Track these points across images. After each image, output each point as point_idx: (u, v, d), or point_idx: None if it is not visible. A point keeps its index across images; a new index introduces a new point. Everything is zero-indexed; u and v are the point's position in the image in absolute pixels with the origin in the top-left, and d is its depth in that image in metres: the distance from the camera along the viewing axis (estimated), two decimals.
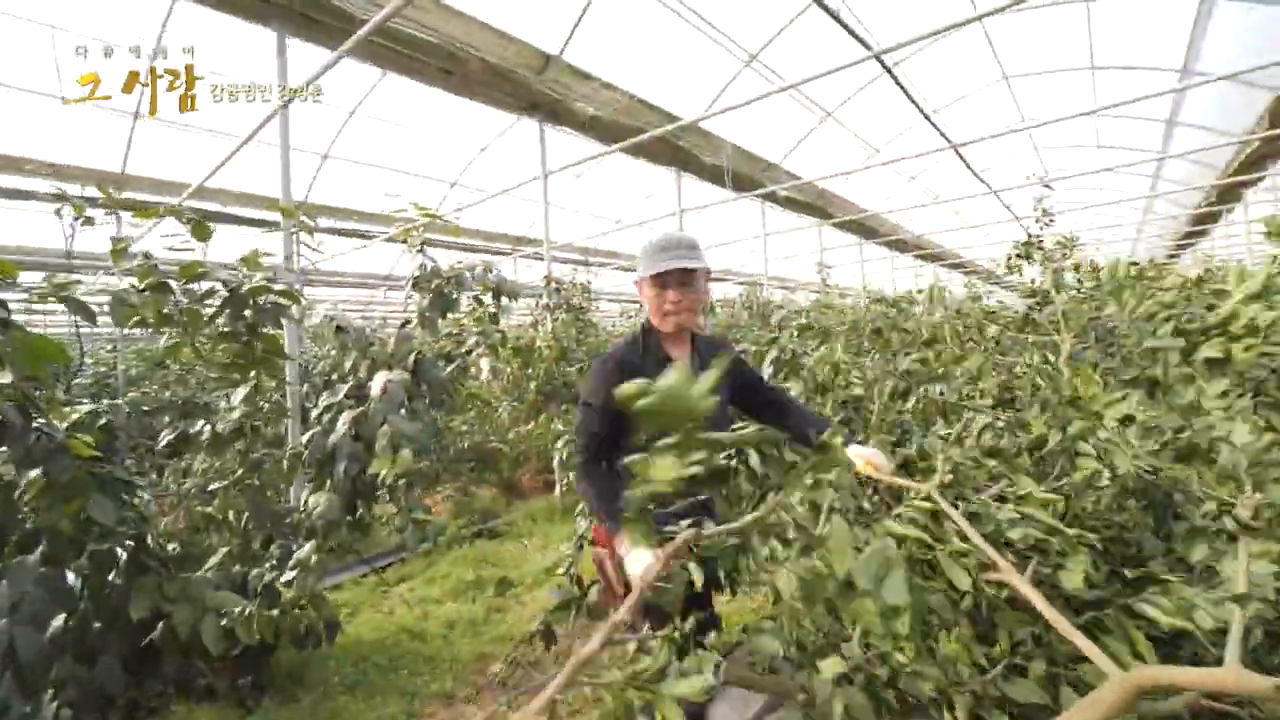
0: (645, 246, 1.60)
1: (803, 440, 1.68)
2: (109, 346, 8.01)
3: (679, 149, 6.68)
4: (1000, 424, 2.21)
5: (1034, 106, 8.36)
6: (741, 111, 7.38)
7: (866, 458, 1.40)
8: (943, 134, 4.93)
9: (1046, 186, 3.09)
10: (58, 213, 2.39)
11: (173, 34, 5.11)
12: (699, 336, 1.74)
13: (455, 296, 3.05)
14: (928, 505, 1.12)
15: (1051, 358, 2.32)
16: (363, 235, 8.59)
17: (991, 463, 1.35)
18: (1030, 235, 3.19)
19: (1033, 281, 3.58)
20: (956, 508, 1.07)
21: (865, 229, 11.73)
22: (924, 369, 1.94)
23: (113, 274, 2.33)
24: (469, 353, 2.94)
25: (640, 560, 1.33)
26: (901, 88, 4.12)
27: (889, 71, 3.93)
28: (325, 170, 8.17)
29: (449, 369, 2.88)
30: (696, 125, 6.50)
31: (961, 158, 5.95)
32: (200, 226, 2.22)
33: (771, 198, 8.98)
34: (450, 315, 3.07)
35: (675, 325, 1.60)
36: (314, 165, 8.10)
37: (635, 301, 7.67)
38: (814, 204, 9.74)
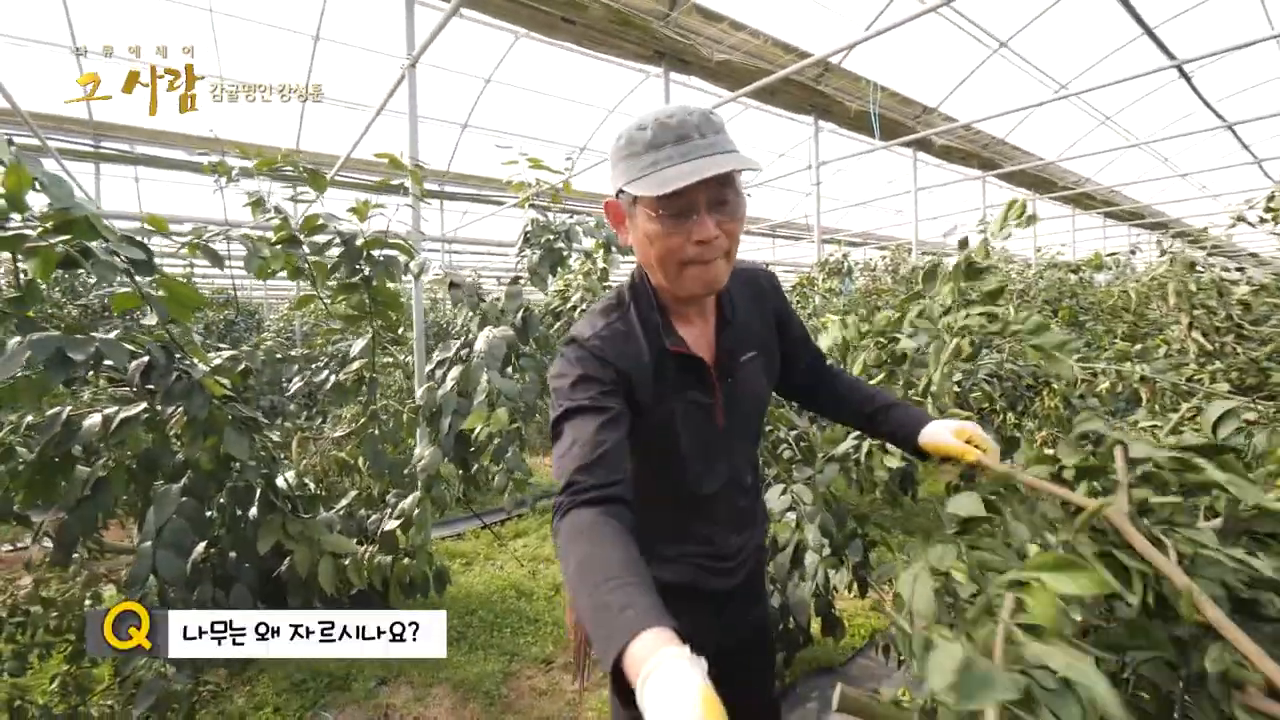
0: (625, 140, 0.86)
1: (854, 416, 1.17)
2: (286, 304, 9.14)
3: (819, 94, 6.03)
4: (1253, 414, 1.64)
5: None
6: (894, 48, 6.53)
7: (964, 432, 0.95)
8: (1166, 49, 3.90)
9: None
10: (213, 173, 2.57)
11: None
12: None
13: (566, 252, 2.93)
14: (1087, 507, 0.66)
15: None
16: (496, 201, 8.91)
17: (1210, 468, 0.74)
18: None
19: None
20: (1160, 546, 0.63)
21: (1040, 181, 10.08)
22: (991, 325, 1.43)
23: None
24: (574, 309, 2.81)
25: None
26: None
27: None
28: (464, 139, 8.54)
29: (555, 326, 2.78)
30: (837, 65, 5.83)
31: (1187, 79, 4.73)
32: (316, 177, 2.26)
33: (925, 147, 7.94)
34: (560, 271, 2.96)
35: (705, 288, 0.89)
36: (454, 135, 8.50)
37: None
38: (978, 154, 8.49)
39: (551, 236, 2.88)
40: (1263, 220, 2.44)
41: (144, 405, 2.02)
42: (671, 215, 0.83)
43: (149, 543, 1.86)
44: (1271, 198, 2.34)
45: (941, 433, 0.96)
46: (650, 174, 0.81)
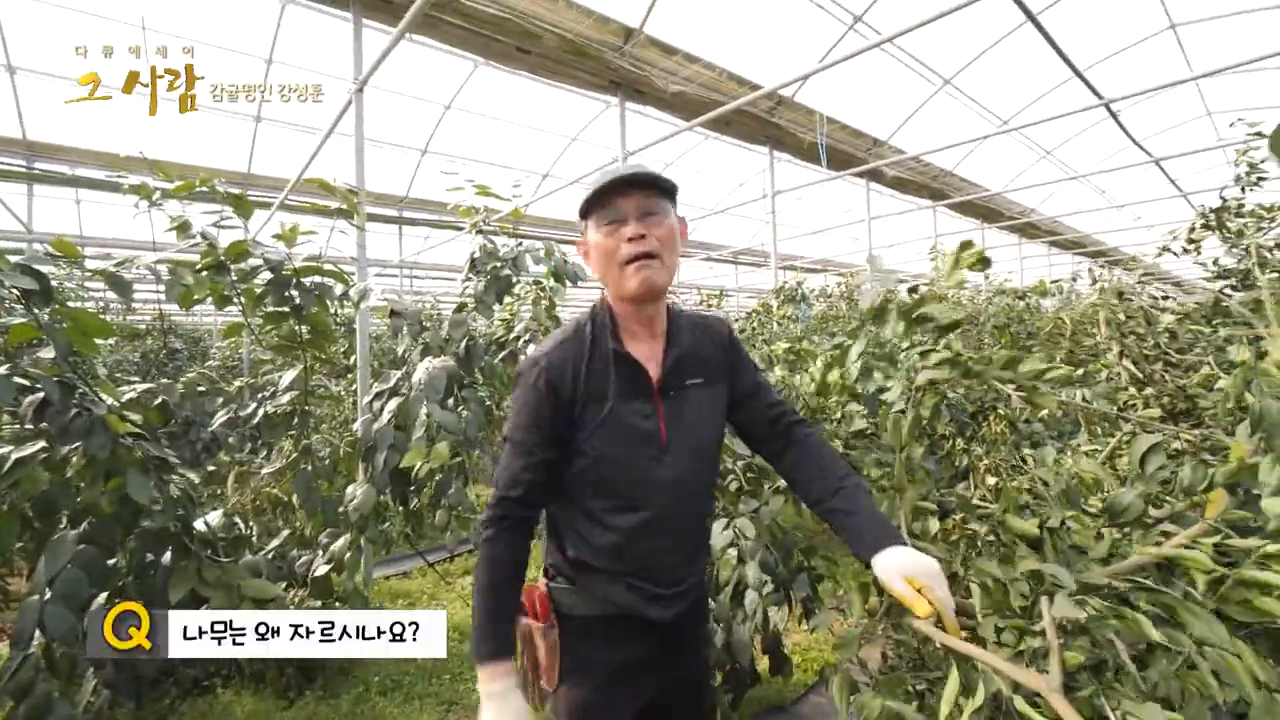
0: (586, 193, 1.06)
1: (813, 505, 1.12)
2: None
3: (772, 125, 6.18)
4: (1180, 444, 1.66)
5: (1207, 60, 6.98)
6: (845, 83, 6.76)
7: (917, 581, 0.90)
8: (1094, 90, 4.11)
9: (1258, 134, 2.30)
10: (135, 201, 2.44)
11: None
12: (679, 315, 1.15)
13: (514, 279, 2.86)
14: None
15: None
16: (456, 227, 8.83)
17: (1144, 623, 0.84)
18: (1224, 200, 2.48)
19: (1215, 262, 2.83)
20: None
21: (988, 212, 10.51)
22: (954, 374, 1.37)
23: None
24: (519, 340, 2.74)
25: None
26: (1046, 37, 3.42)
27: (1032, 19, 3.26)
28: (424, 165, 8.47)
29: (500, 356, 2.70)
30: (790, 98, 5.99)
31: (1115, 117, 5.00)
32: (241, 202, 2.16)
33: (877, 178, 8.20)
34: (508, 300, 2.90)
35: (644, 285, 1.00)
36: (414, 161, 8.42)
37: (715, 291, 7.23)
38: (928, 185, 8.81)
39: (499, 263, 2.81)
40: (1185, 250, 2.54)
41: (42, 444, 1.87)
42: (608, 223, 1.02)
43: (36, 596, 1.69)
44: (1193, 229, 2.44)
45: (894, 575, 0.91)
46: (590, 197, 1.04)
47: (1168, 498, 1.55)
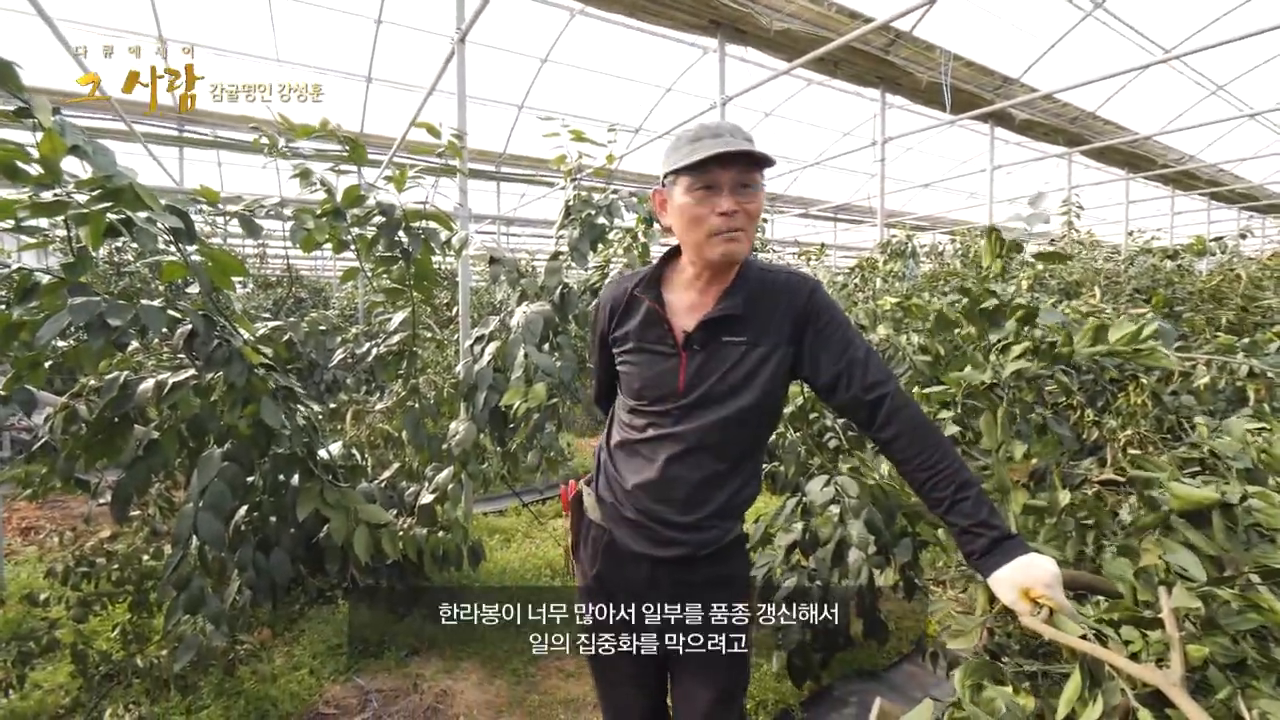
0: (674, 140, 1.06)
1: (918, 494, 1.03)
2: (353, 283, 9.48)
3: (887, 64, 5.67)
4: None
5: None
6: (972, 13, 6.05)
7: (1034, 591, 0.86)
8: None
9: None
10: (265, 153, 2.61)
11: None
12: (750, 271, 1.09)
13: (607, 228, 2.84)
14: None
15: None
16: (550, 183, 8.94)
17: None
18: None
19: None
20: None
21: (1134, 160, 9.22)
22: (1040, 364, 1.29)
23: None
24: None
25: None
26: None
27: None
28: (521, 121, 8.58)
29: (594, 303, 2.70)
30: (908, 32, 5.45)
31: None
32: (355, 146, 2.25)
33: (1003, 122, 7.39)
34: (600, 248, 2.88)
35: (727, 257, 1.02)
36: (511, 117, 8.55)
37: (809, 248, 6.80)
38: (1064, 129, 7.83)
39: (593, 211, 2.79)
40: None
41: (192, 371, 2.09)
42: (701, 189, 1.00)
43: (191, 504, 1.92)
44: None
45: (1008, 590, 0.88)
46: (688, 157, 1.00)
47: None
